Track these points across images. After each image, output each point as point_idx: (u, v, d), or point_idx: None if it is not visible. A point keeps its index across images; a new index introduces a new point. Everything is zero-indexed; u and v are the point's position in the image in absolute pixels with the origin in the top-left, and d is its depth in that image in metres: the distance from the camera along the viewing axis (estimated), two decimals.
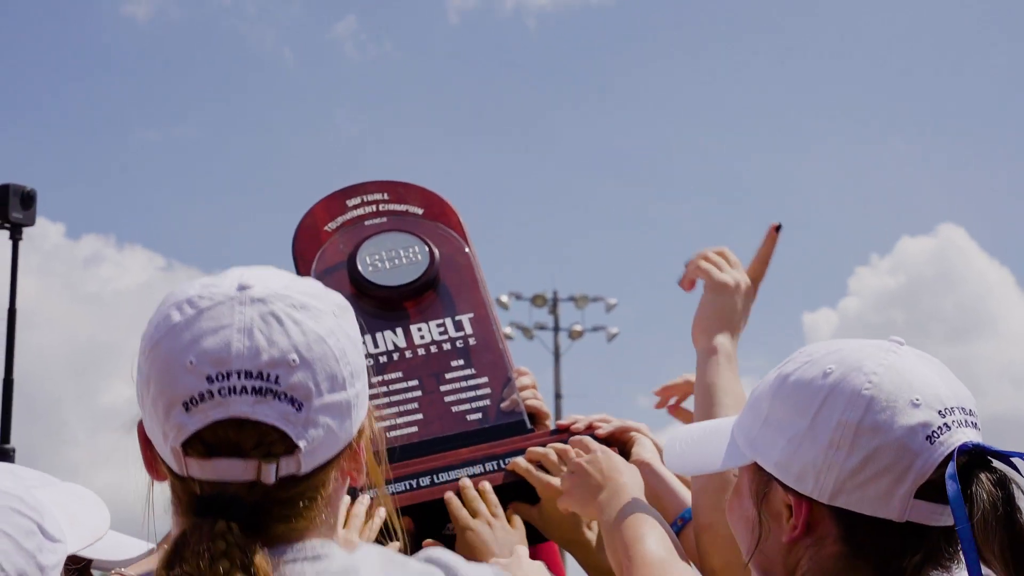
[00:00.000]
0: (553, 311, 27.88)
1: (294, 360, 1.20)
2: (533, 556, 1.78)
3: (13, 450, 7.53)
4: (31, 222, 8.29)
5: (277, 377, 1.19)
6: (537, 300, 27.74)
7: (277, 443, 1.20)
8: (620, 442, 2.19)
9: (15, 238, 8.34)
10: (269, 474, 1.19)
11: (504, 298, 27.60)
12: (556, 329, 27.79)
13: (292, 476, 1.21)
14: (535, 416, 2.27)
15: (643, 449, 2.17)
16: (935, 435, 1.28)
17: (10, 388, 8.08)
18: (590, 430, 2.21)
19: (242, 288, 1.23)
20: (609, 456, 1.97)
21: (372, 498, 1.90)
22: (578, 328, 27.65)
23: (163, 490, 1.28)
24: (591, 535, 2.13)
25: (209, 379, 1.19)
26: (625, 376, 38.72)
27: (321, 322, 1.24)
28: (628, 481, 1.89)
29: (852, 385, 1.31)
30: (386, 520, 1.88)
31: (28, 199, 8.19)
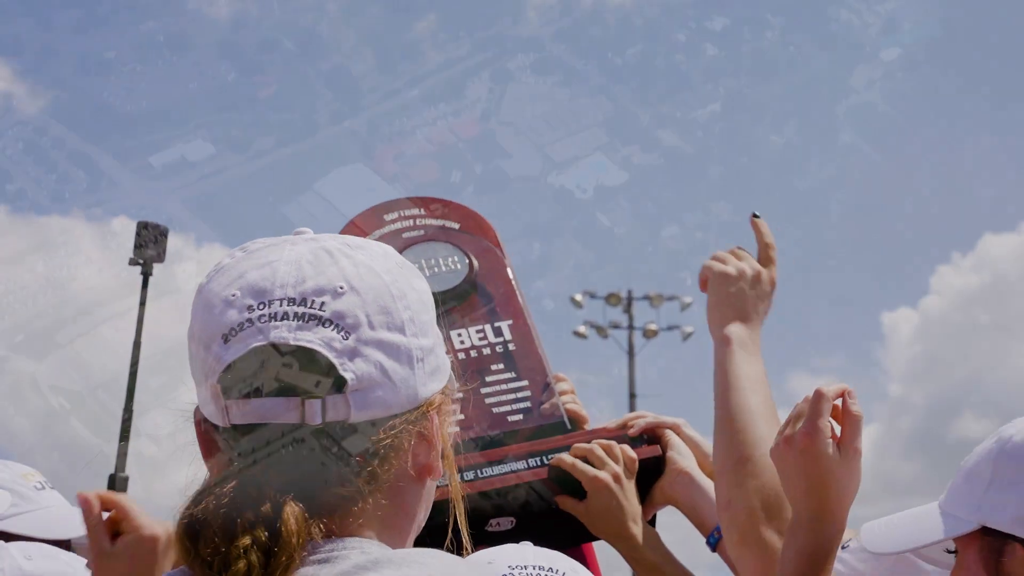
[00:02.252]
0: (628, 310, 27.81)
1: (341, 287, 1.09)
2: (575, 557, 1.81)
3: (127, 478, 7.50)
4: (162, 259, 8.27)
5: (323, 304, 1.08)
6: (611, 299, 27.67)
7: (321, 376, 1.06)
8: (655, 438, 2.22)
9: (145, 273, 8.31)
10: (313, 413, 1.05)
11: (578, 297, 27.58)
12: (631, 328, 27.72)
13: (341, 424, 1.07)
14: (574, 420, 2.32)
15: (679, 456, 2.18)
16: None
17: (129, 422, 8.03)
18: (624, 429, 2.23)
19: (297, 233, 1.17)
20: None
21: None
22: (653, 327, 27.54)
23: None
24: (637, 530, 2.14)
25: (250, 308, 1.08)
26: (700, 375, 38.48)
27: (376, 261, 1.14)
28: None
29: None
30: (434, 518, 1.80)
31: (161, 237, 8.20)
